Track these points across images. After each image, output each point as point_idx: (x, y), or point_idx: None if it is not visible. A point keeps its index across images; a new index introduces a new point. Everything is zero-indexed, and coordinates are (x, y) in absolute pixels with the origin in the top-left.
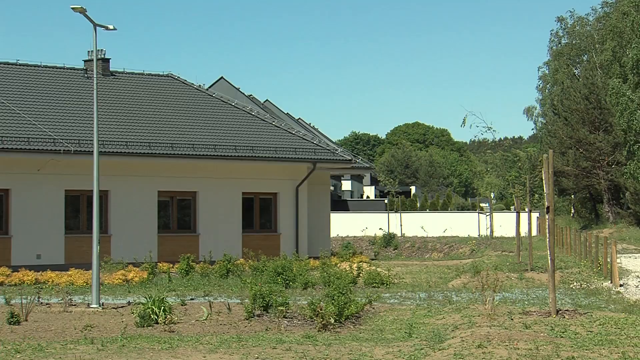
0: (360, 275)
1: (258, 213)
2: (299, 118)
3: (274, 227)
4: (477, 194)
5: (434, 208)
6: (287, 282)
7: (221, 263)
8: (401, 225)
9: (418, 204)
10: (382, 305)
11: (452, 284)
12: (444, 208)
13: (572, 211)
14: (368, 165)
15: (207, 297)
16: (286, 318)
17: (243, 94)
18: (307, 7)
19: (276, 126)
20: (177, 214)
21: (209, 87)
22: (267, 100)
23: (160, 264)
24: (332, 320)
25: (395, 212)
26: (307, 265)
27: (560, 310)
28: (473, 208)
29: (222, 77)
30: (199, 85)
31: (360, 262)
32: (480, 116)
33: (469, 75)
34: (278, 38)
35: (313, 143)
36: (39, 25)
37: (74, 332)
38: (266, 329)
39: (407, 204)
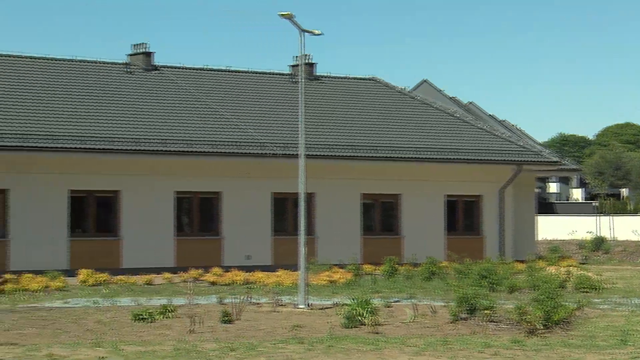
0: (569, 279)
1: (462, 216)
2: (504, 120)
3: (478, 230)
4: None
5: None
6: (492, 285)
7: (425, 265)
8: (612, 228)
9: (630, 207)
10: (592, 310)
11: None
12: None
13: None
14: (575, 167)
15: (411, 299)
16: (492, 322)
17: (446, 96)
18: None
19: (479, 128)
20: (381, 216)
21: (412, 89)
22: (470, 102)
23: (365, 266)
24: (540, 325)
25: (606, 215)
26: (513, 269)
27: None
28: None
29: (425, 80)
30: (402, 88)
31: (569, 266)
32: None
33: None
34: (482, 36)
35: (518, 145)
36: (246, 31)
37: (283, 331)
38: (472, 333)
39: (618, 207)
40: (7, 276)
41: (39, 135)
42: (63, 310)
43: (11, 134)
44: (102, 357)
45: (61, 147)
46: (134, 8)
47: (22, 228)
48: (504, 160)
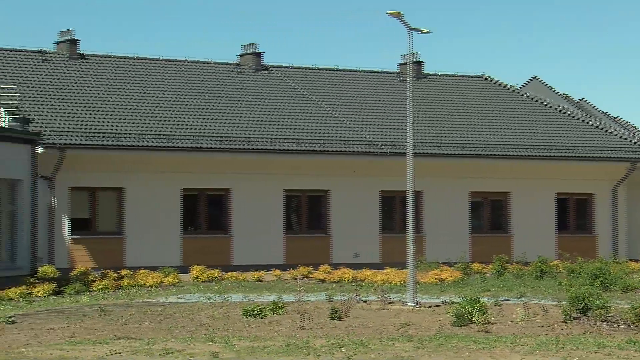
0: None
1: (573, 214)
2: (617, 116)
3: (590, 228)
4: None
5: None
6: (606, 285)
7: (535, 264)
8: None
9: None
10: None
11: None
12: None
13: None
14: None
15: (521, 298)
16: (606, 322)
17: (557, 93)
18: None
19: (592, 125)
20: (490, 215)
21: (522, 86)
22: (582, 98)
23: (473, 264)
24: None
25: None
26: (627, 268)
27: None
28: None
29: (535, 77)
30: (511, 85)
31: None
32: None
33: None
34: (594, 31)
35: (632, 142)
36: (354, 30)
37: (392, 329)
38: (585, 332)
39: None
40: (124, 272)
41: (154, 135)
42: (177, 305)
43: (127, 133)
44: (215, 352)
45: (174, 147)
46: (243, 8)
47: (137, 225)
48: (618, 157)
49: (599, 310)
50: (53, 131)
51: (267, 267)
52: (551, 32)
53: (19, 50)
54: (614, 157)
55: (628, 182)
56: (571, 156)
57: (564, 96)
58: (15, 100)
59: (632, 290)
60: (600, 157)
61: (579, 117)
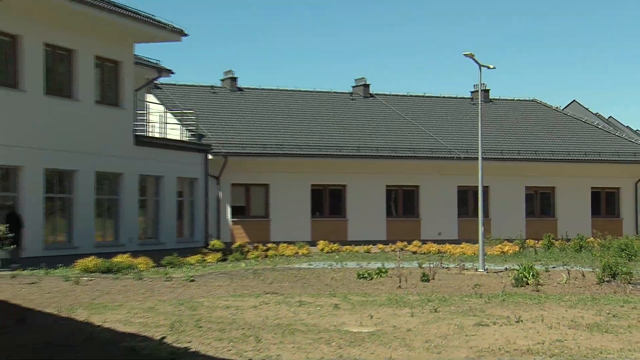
0: None
1: (604, 203)
2: (637, 129)
3: (617, 213)
4: None
5: None
6: (630, 256)
7: (575, 241)
8: None
9: None
10: None
11: None
12: None
13: None
14: None
15: (565, 266)
16: (630, 284)
17: (591, 112)
18: None
19: (617, 136)
20: (540, 203)
21: (564, 107)
22: (610, 116)
23: (528, 241)
24: None
25: None
26: None
27: None
28: None
29: (574, 100)
30: (557, 107)
31: None
32: None
33: None
34: (623, 64)
35: None
36: (437, 63)
37: (467, 289)
38: (614, 292)
39: None
40: (269, 245)
41: (290, 145)
42: (308, 270)
43: (270, 144)
44: (336, 304)
45: (305, 154)
46: (356, 51)
47: (279, 211)
48: (638, 160)
49: (624, 276)
50: (219, 144)
51: (373, 242)
52: (588, 64)
53: (195, 86)
54: (635, 160)
55: None
56: (602, 159)
57: (596, 114)
58: (193, 121)
59: None
60: (624, 160)
61: (608, 130)
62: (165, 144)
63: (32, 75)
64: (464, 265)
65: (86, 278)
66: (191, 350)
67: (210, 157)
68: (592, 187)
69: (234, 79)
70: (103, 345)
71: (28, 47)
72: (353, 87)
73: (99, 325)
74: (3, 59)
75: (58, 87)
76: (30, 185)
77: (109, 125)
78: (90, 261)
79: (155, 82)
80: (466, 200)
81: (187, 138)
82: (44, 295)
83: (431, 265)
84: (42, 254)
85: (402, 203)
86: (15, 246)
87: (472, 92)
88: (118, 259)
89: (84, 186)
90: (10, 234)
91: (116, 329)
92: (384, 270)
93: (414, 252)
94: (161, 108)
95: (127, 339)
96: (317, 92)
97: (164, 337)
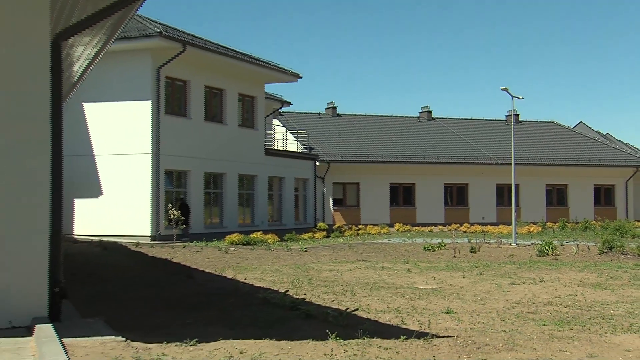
0: None
1: (603, 196)
2: (627, 142)
3: (613, 203)
4: None
5: None
6: (622, 234)
7: (582, 223)
8: None
9: None
10: None
11: None
12: None
13: None
14: None
15: (575, 241)
16: (622, 254)
17: (593, 129)
18: None
19: (613, 147)
20: (557, 196)
21: (574, 127)
22: (607, 132)
23: (548, 223)
24: None
25: None
26: (634, 225)
27: None
28: None
29: (581, 121)
30: (568, 126)
31: None
32: None
33: None
34: (623, 85)
35: (636, 156)
36: (482, 91)
37: (503, 258)
38: (611, 260)
39: None
40: (360, 226)
41: (375, 154)
42: (388, 244)
43: (361, 154)
44: (409, 269)
45: (386, 160)
46: (421, 83)
47: (366, 202)
48: (627, 165)
49: (618, 248)
50: (324, 154)
51: (435, 225)
52: (592, 87)
53: (307, 113)
54: (625, 165)
55: (634, 177)
56: (601, 164)
57: (597, 132)
58: (305, 138)
59: (637, 237)
60: (618, 164)
61: (606, 143)
62: (286, 154)
63: (196, 108)
64: (501, 241)
65: (232, 248)
66: (306, 300)
67: (317, 163)
68: (594, 184)
69: (334, 108)
70: (245, 295)
71: (194, 88)
72: (419, 112)
73: (241, 281)
74: (177, 97)
75: (213, 115)
76: (195, 183)
77: (247, 141)
78: (235, 236)
79: (279, 110)
80: (502, 194)
81: (301, 150)
82: (205, 260)
83: (477, 241)
84: (203, 231)
85: (456, 196)
86: (185, 226)
87: (506, 115)
88: (254, 235)
89: (231, 184)
90: (182, 218)
91: (253, 284)
92: (443, 244)
93: (465, 232)
94: (283, 129)
95: (261, 291)
96: (393, 116)
97: (287, 291)
